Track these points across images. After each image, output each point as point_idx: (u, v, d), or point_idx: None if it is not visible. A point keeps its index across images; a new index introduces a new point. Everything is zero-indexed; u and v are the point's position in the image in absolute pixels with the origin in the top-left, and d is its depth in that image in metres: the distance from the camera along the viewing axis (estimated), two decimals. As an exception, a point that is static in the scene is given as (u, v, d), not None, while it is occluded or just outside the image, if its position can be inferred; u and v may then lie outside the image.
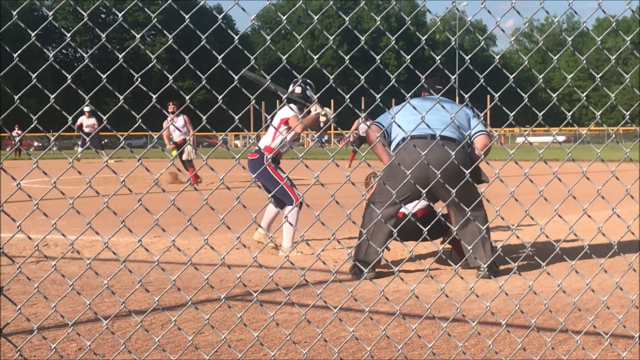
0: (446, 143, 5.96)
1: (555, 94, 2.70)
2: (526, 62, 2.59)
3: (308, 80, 7.46)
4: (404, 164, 5.74)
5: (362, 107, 21.70)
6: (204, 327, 2.94)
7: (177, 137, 16.40)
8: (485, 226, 5.89)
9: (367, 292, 5.33)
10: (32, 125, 2.26)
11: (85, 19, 2.22)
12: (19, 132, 43.29)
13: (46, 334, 4.15)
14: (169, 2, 2.43)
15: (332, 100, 22.20)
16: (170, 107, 16.30)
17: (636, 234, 3.00)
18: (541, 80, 2.61)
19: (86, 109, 24.16)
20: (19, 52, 2.16)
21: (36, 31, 2.21)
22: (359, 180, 8.64)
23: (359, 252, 6.08)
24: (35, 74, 2.22)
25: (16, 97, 2.20)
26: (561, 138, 48.61)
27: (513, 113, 2.67)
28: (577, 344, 2.95)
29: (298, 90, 7.36)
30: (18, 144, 2.39)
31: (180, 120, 16.65)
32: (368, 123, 25.58)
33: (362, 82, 2.48)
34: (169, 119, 14.83)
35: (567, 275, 2.99)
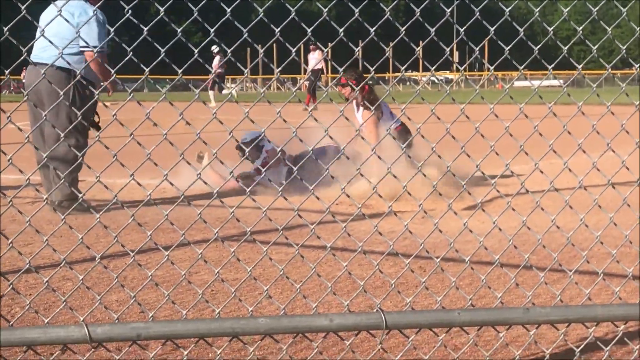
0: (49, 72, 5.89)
1: (552, 28, 2.66)
2: (522, -6, 2.55)
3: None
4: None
5: (359, 46, 21.24)
6: (196, 262, 2.95)
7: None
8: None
9: (362, 232, 5.34)
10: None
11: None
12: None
13: (42, 272, 4.16)
14: None
15: (328, 43, 21.81)
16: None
17: (631, 170, 3.00)
18: (537, 14, 2.58)
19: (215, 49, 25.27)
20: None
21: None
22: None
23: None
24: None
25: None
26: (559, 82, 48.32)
27: (508, 47, 2.64)
28: (570, 279, 2.96)
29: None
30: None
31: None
32: (317, 55, 24.83)
33: (356, 15, 2.45)
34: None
35: (561, 210, 2.98)
